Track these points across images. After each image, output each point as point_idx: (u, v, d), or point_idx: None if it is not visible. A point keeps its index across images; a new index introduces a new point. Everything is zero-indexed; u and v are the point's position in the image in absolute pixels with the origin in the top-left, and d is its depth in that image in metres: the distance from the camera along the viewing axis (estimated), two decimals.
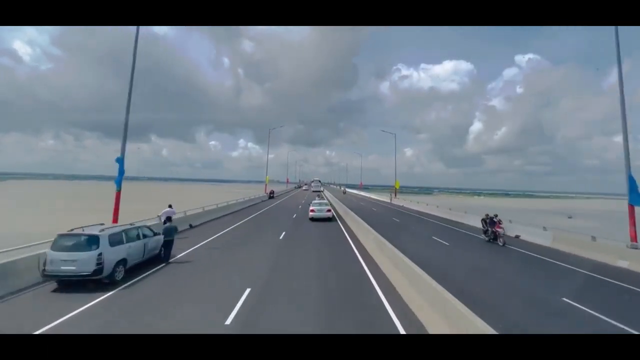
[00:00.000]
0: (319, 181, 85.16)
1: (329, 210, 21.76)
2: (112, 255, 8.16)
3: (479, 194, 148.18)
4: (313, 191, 64.47)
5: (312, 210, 21.52)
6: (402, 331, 5.97)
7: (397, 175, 58.62)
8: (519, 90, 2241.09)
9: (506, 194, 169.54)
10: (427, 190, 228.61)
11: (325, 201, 25.59)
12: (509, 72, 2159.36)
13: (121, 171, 13.27)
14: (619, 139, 12.86)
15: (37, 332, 5.68)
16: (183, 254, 11.84)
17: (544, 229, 16.70)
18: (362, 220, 17.32)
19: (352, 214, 20.66)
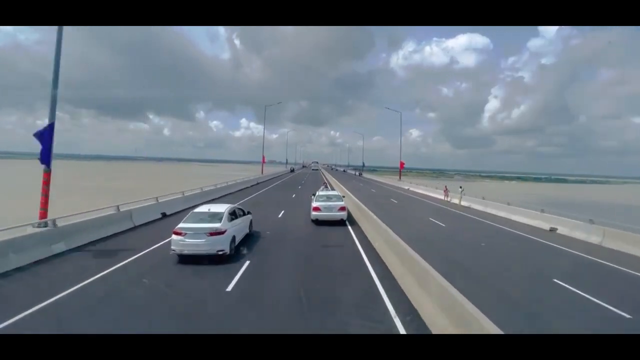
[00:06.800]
0: (317, 162, 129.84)
1: (342, 209, 14.66)
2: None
3: (509, 179, 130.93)
4: (313, 169, 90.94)
5: (317, 209, 14.55)
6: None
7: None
8: (543, 62, 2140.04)
9: (537, 179, 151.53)
10: (439, 171, 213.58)
11: (336, 192, 17.90)
12: (534, 44, 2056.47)
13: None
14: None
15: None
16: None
17: None
18: None
19: None
